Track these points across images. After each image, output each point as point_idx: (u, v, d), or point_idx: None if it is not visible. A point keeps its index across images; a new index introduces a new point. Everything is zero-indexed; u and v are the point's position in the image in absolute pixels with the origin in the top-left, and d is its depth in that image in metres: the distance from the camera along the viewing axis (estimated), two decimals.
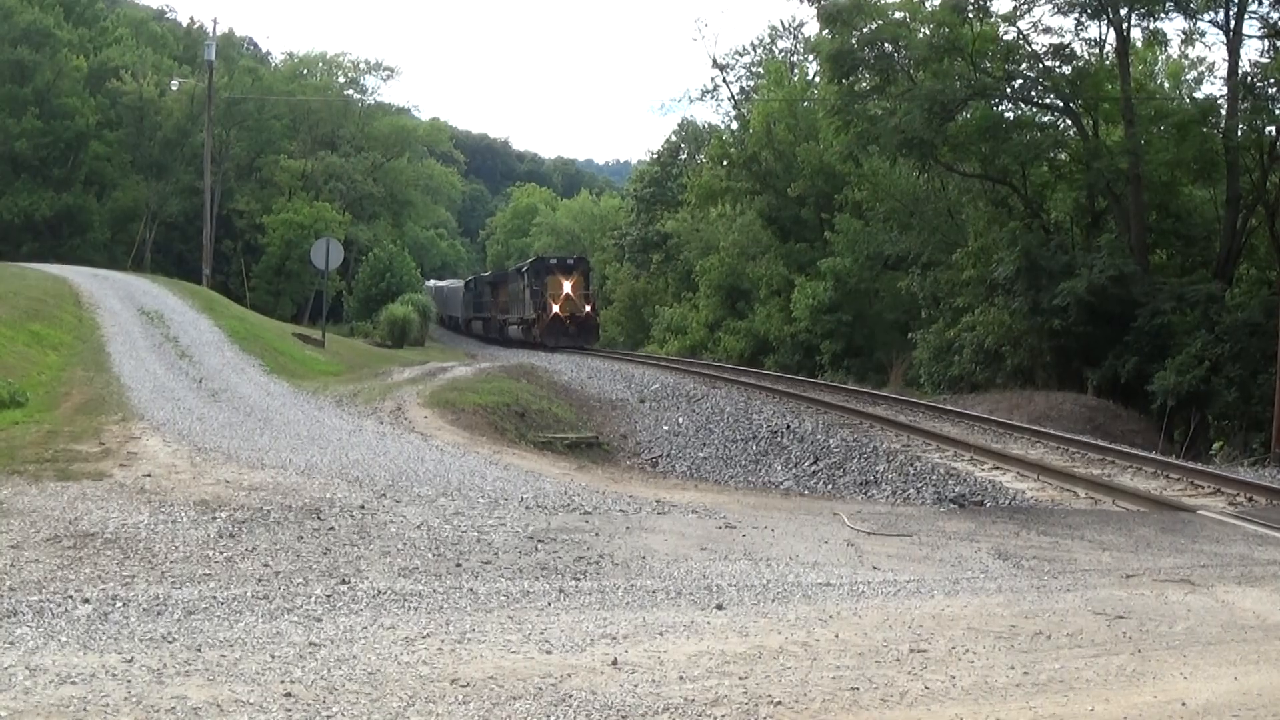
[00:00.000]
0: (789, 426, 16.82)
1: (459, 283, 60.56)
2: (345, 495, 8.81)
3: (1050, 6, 24.91)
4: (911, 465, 12.97)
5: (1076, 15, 24.69)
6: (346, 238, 47.65)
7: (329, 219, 47.63)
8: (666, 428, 18.86)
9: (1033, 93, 25.85)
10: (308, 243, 39.68)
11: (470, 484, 9.80)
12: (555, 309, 36.60)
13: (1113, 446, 14.28)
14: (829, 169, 35.07)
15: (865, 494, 12.30)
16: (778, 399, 20.12)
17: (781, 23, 54.45)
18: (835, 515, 9.16)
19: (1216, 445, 18.80)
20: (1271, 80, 22.24)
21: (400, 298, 42.38)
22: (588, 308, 37.70)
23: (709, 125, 55.17)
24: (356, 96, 58.27)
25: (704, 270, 42.43)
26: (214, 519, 7.59)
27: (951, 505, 10.60)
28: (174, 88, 53.80)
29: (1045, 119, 26.65)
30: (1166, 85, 31.73)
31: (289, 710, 4.05)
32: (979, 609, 5.99)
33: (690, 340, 42.17)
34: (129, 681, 4.27)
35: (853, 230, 32.49)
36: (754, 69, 49.74)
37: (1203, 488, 11.40)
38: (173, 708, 4.02)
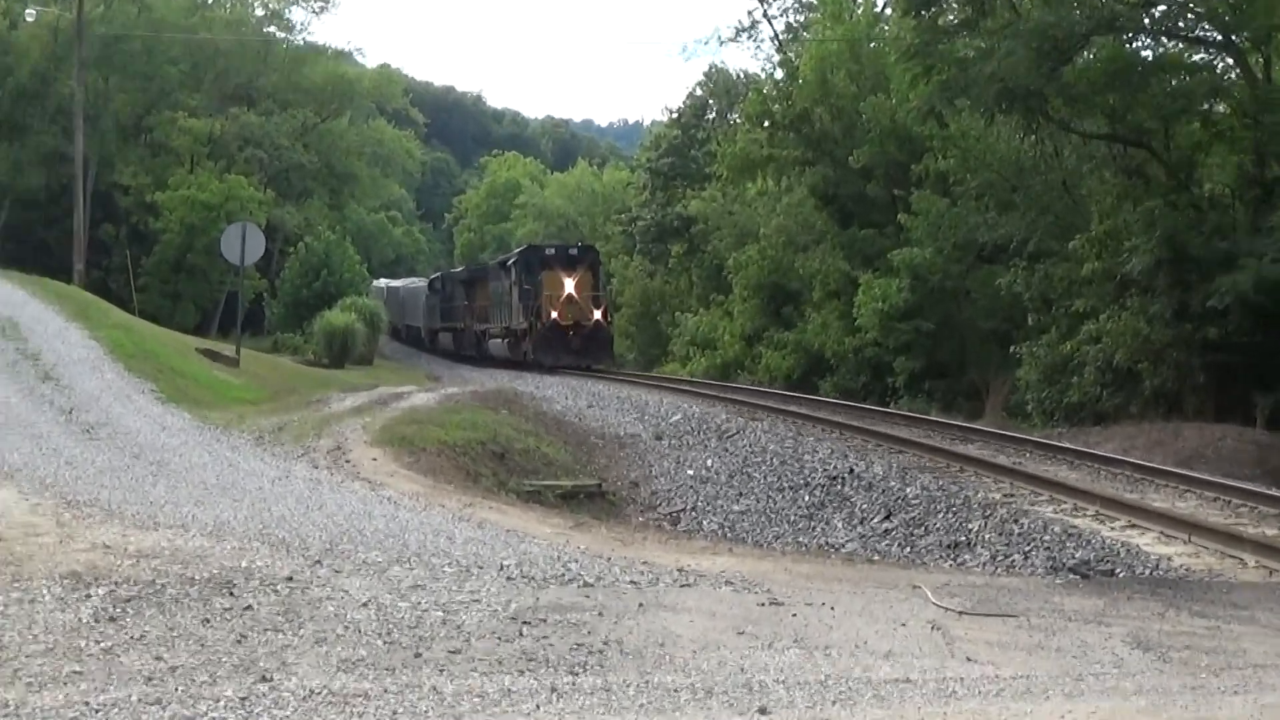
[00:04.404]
0: (852, 470, 16.79)
1: (420, 282, 60.75)
2: (267, 564, 8.81)
3: None
4: (1016, 522, 12.91)
5: None
6: (269, 222, 47.81)
7: (245, 197, 47.86)
8: (691, 472, 18.81)
9: (1180, 23, 25.71)
10: (217, 229, 39.83)
11: (433, 547, 9.81)
12: (554, 315, 36.50)
13: None
14: (903, 131, 35.02)
15: (954, 560, 12.28)
16: (837, 434, 20.08)
17: None
18: (915, 588, 9.12)
19: None
20: None
21: (340, 302, 42.47)
22: (597, 313, 37.53)
23: (745, 74, 55.44)
24: (280, 35, 58.70)
25: (739, 265, 42.44)
26: (88, 597, 7.57)
27: (1071, 576, 10.53)
28: (30, 18, 53.74)
29: (1197, 58, 26.49)
30: None
31: None
32: (1111, 716, 5.93)
33: (722, 357, 42.14)
34: None
35: (935, 211, 32.43)
36: None
37: None
38: None
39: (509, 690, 6.00)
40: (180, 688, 5.83)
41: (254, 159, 53.44)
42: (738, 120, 49.51)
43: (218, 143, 53.08)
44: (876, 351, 33.59)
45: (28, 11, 53.69)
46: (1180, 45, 26.24)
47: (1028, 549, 11.98)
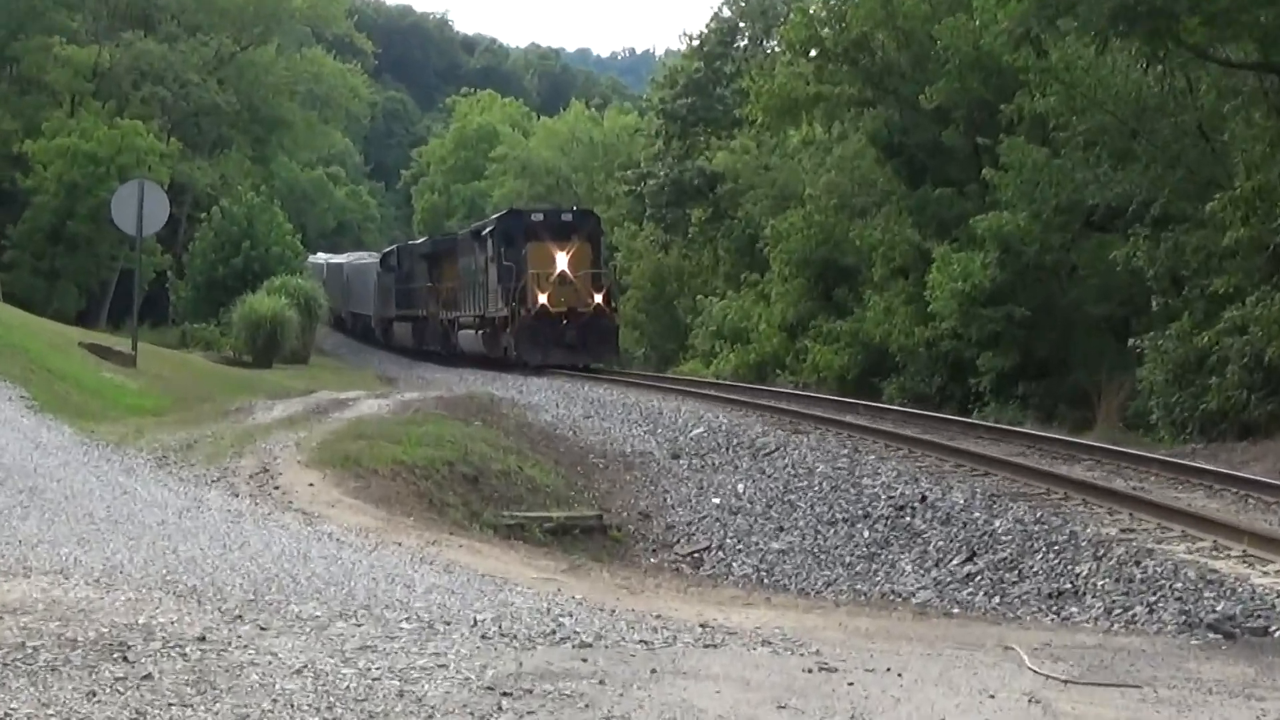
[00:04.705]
0: (925, 498, 16.82)
1: (370, 257, 60.90)
2: (173, 620, 8.79)
3: None
4: (1138, 564, 12.87)
5: None
6: (173, 180, 47.86)
7: (142, 148, 47.88)
8: (717, 501, 18.83)
9: None
10: (106, 189, 39.90)
11: (387, 598, 9.84)
12: (542, 300, 36.60)
13: None
14: (990, 62, 34.95)
15: (1057, 614, 12.26)
16: (905, 451, 20.14)
17: None
18: (1007, 650, 9.13)
19: None
20: None
21: (267, 283, 42.60)
22: (598, 297, 37.66)
23: None
24: None
25: (779, 235, 42.45)
26: None
27: (1211, 635, 10.50)
28: None
29: None
30: None
31: None
32: None
33: (756, 353, 42.20)
34: None
35: (1032, 165, 32.38)
36: None
37: None
38: None
39: None
40: None
41: (154, 98, 53.46)
42: (776, 49, 49.46)
43: (106, 77, 53.12)
44: (955, 345, 33.51)
45: None
46: None
47: (1153, 600, 11.93)
